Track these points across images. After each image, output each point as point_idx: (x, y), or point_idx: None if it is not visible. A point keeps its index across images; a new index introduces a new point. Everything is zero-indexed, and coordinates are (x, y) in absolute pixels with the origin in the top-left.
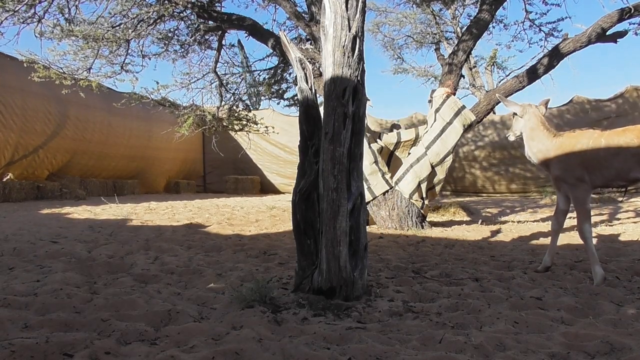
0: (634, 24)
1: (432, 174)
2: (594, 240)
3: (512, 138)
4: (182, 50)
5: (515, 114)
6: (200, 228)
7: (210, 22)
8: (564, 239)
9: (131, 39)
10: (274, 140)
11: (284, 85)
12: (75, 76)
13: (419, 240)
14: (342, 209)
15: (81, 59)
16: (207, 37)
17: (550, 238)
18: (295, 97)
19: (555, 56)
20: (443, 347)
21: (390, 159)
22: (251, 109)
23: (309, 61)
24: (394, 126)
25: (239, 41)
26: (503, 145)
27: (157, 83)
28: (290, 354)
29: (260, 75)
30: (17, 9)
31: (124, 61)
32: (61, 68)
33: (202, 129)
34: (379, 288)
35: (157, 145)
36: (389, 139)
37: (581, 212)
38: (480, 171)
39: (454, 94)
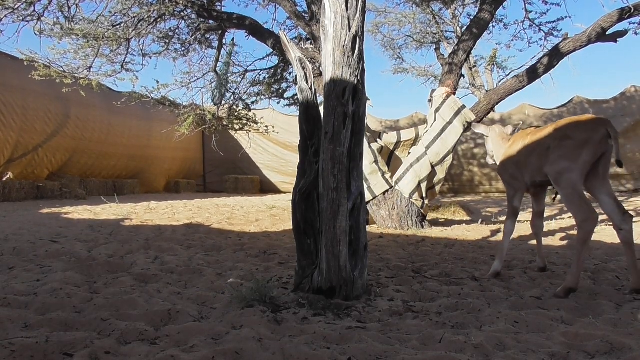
0: (633, 23)
1: (432, 173)
2: (595, 239)
3: (491, 161)
4: (183, 49)
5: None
6: (200, 227)
7: (210, 21)
8: (564, 239)
9: (132, 37)
10: (274, 139)
11: (284, 85)
12: (76, 75)
13: (419, 240)
14: (342, 208)
15: (81, 58)
16: (207, 36)
17: (536, 241)
18: (295, 97)
19: (555, 56)
20: (443, 346)
21: (390, 159)
22: (215, 103)
23: (309, 61)
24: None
25: (232, 39)
26: None
27: (158, 82)
28: (290, 353)
29: (260, 75)
30: (16, 6)
31: (124, 60)
32: (61, 67)
33: (202, 129)
34: (379, 288)
35: (157, 144)
36: (389, 138)
37: (508, 208)
38: (478, 168)
39: (454, 94)
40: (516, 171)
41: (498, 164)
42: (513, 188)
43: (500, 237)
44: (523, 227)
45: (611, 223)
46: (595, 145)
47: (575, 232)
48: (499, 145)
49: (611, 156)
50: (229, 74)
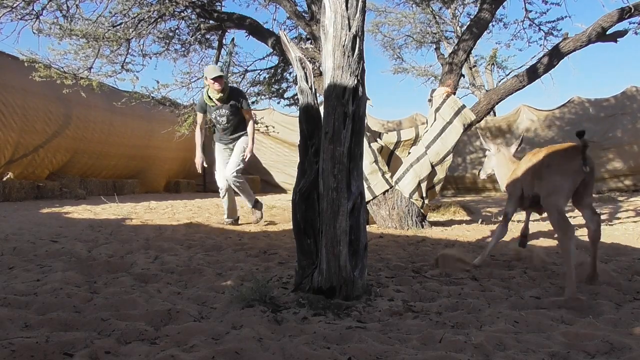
0: (634, 23)
1: (432, 173)
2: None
3: (483, 176)
4: (183, 49)
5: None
6: (200, 227)
7: (210, 21)
8: None
9: (132, 38)
10: (275, 138)
11: (284, 85)
12: (76, 75)
13: (419, 240)
14: (342, 208)
15: (82, 59)
16: (207, 36)
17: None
18: (295, 97)
19: (555, 55)
20: (443, 346)
21: (390, 159)
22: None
23: (309, 60)
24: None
25: (232, 39)
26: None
27: (158, 82)
28: (290, 353)
29: (260, 75)
30: (14, 5)
31: (124, 60)
32: (62, 67)
33: None
34: (379, 287)
35: (157, 144)
36: (389, 138)
37: (503, 215)
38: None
39: (454, 94)
40: (518, 189)
41: (505, 184)
42: (510, 199)
43: None
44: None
45: (611, 223)
46: (574, 173)
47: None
48: (506, 168)
49: (591, 179)
50: (229, 74)
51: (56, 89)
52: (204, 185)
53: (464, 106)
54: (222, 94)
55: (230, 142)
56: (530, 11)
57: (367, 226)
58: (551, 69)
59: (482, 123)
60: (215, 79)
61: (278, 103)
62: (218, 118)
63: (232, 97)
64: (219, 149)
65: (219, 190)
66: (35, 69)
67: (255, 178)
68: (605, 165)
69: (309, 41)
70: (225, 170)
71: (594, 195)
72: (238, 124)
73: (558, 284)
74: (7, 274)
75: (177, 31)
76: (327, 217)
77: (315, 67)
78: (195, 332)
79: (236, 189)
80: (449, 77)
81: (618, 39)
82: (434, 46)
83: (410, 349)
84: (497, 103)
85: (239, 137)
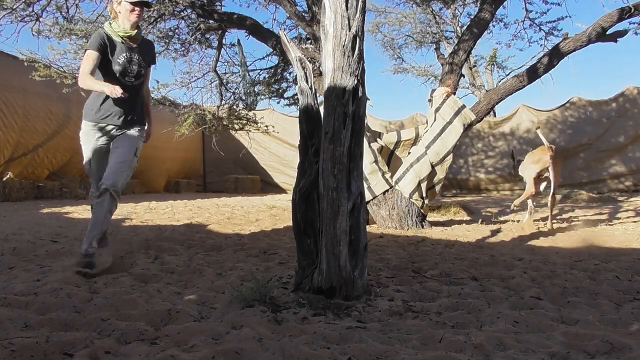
0: (634, 23)
1: (432, 173)
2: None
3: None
4: (183, 49)
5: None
6: (200, 227)
7: (210, 21)
8: (564, 238)
9: None
10: (276, 138)
11: (284, 85)
12: (76, 75)
13: (419, 240)
14: (342, 208)
15: (81, 58)
16: (207, 36)
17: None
18: (295, 97)
19: (556, 55)
20: (443, 346)
21: (390, 159)
22: (251, 108)
23: (309, 61)
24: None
25: (238, 41)
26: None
27: (157, 82)
28: (290, 353)
29: (260, 75)
30: (14, 7)
31: None
32: (62, 67)
33: (202, 128)
34: (379, 287)
35: (157, 144)
36: (389, 138)
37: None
38: (485, 174)
39: (454, 94)
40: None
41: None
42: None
43: (500, 237)
44: (523, 227)
45: (611, 223)
46: (543, 164)
47: (573, 231)
48: None
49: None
50: (240, 74)
51: (56, 88)
52: (204, 185)
53: (464, 106)
54: (136, 30)
55: (121, 124)
56: (531, 11)
57: (367, 226)
58: (551, 69)
59: (484, 124)
60: (136, 4)
61: (278, 103)
62: (127, 66)
63: (145, 44)
64: (92, 135)
65: (92, 196)
66: (35, 69)
67: (255, 178)
68: (606, 166)
69: (309, 41)
70: (109, 177)
71: (594, 195)
72: (139, 96)
73: (558, 285)
74: (7, 274)
75: (177, 31)
76: (327, 217)
77: (315, 67)
78: (195, 332)
79: (97, 206)
80: (449, 77)
81: (618, 39)
82: (434, 46)
83: (410, 349)
84: (497, 103)
85: (136, 121)
